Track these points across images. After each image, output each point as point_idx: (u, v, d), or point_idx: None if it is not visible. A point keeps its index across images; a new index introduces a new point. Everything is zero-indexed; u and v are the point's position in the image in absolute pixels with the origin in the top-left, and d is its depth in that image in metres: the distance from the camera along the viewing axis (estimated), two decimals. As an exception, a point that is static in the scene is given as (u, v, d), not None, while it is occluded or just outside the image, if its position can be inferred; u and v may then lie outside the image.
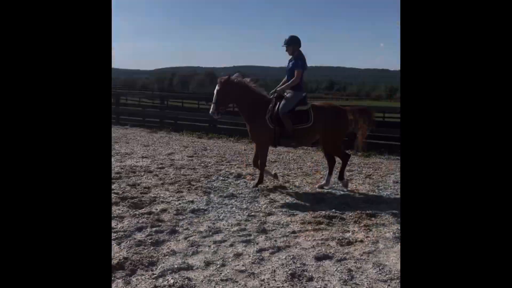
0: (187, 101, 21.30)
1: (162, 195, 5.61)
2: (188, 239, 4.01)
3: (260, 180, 6.28)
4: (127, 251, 3.65)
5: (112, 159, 7.97)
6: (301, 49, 6.09)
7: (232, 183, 6.43)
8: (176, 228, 4.30)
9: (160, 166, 7.62)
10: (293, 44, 6.04)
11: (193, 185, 6.17)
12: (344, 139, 6.22)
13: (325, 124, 6.00)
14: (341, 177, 6.32)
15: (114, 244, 3.79)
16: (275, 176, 6.49)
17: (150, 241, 3.92)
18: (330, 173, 6.37)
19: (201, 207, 5.05)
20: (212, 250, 3.73)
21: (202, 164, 7.94)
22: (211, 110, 6.02)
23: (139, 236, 4.06)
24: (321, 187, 6.34)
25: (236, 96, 6.05)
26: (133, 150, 9.44)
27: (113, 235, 3.99)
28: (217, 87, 5.99)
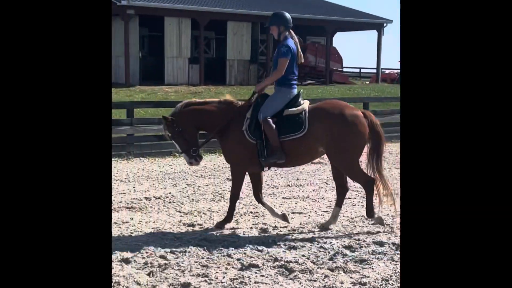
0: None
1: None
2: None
3: (228, 218, 4.45)
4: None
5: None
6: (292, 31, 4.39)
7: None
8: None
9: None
10: (277, 23, 4.33)
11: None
12: (360, 155, 4.41)
13: (329, 133, 4.18)
14: (369, 213, 4.33)
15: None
16: (284, 217, 4.54)
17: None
18: (338, 205, 4.48)
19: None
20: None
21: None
22: (186, 161, 4.56)
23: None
24: (325, 227, 4.44)
25: (193, 126, 4.46)
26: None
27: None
28: (167, 133, 4.51)
